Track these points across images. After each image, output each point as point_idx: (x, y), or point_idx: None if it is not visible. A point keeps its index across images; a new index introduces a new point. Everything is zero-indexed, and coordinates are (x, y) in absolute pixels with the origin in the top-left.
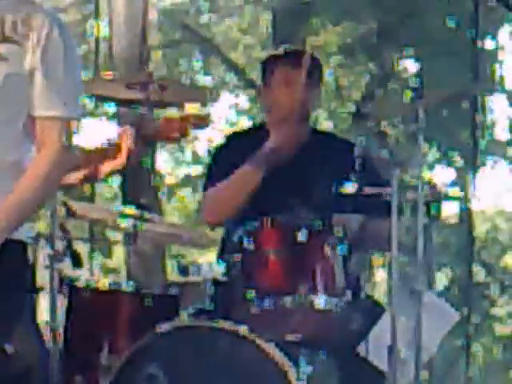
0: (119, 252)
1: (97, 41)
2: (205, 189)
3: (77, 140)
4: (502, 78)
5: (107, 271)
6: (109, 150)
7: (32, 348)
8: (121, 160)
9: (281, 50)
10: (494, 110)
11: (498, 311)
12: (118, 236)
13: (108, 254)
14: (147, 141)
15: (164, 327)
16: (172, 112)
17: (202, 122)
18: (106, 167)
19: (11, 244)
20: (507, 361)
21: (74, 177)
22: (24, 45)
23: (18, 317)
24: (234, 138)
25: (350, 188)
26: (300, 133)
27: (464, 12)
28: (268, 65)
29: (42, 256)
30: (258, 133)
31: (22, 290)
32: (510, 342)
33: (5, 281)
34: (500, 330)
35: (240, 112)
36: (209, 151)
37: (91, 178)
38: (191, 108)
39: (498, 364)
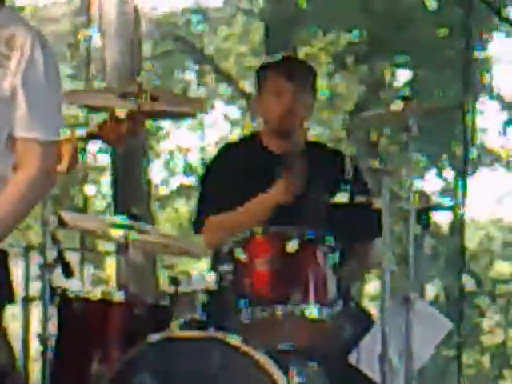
0: (110, 262)
1: (88, 51)
2: (200, 209)
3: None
4: (491, 86)
5: (98, 281)
6: None
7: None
8: (61, 167)
9: (273, 59)
10: (484, 118)
11: (486, 321)
12: (110, 246)
13: (99, 264)
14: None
15: (155, 337)
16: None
17: (136, 126)
18: None
19: None
20: (495, 371)
21: None
22: (5, 65)
23: None
24: (226, 151)
25: (340, 197)
26: (291, 144)
27: (455, 21)
28: (261, 74)
29: (32, 266)
30: (249, 143)
31: (3, 298)
32: (498, 353)
33: None
34: (489, 340)
35: (232, 122)
36: (202, 161)
37: None
38: (121, 112)
39: (486, 374)
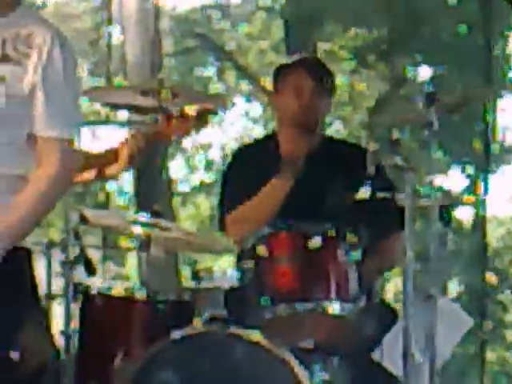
0: (132, 259)
1: (109, 48)
2: (221, 208)
3: (91, 147)
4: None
5: (120, 278)
6: (108, 156)
7: (41, 352)
8: (118, 166)
9: (293, 58)
10: (506, 115)
11: (510, 317)
12: (131, 243)
13: (121, 261)
14: (150, 141)
15: (178, 334)
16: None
17: (202, 121)
18: (109, 170)
19: (17, 251)
20: None
21: (79, 178)
22: (24, 63)
23: (24, 322)
24: (242, 153)
25: (363, 194)
26: (311, 141)
27: (475, 17)
28: (280, 72)
29: (55, 263)
30: (266, 143)
31: (28, 295)
32: None
33: (10, 286)
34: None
35: (253, 119)
36: (222, 158)
37: (95, 179)
38: (190, 109)
39: (510, 370)
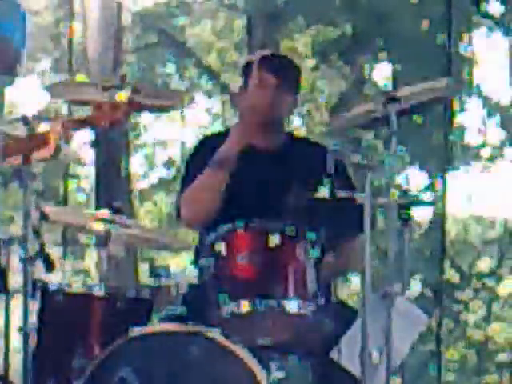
0: (92, 256)
1: (71, 44)
2: (181, 194)
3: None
4: (471, 80)
5: (79, 275)
6: (35, 140)
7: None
8: (48, 150)
9: (259, 54)
10: (466, 113)
11: (470, 316)
12: (91, 240)
13: (80, 257)
14: (79, 128)
15: (136, 331)
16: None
17: (133, 109)
18: (37, 155)
19: None
20: (481, 365)
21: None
22: None
23: None
24: (205, 142)
25: (323, 192)
26: (273, 139)
27: (438, 16)
28: (246, 68)
29: (14, 259)
30: (227, 135)
31: None
32: (483, 347)
33: None
34: (473, 334)
35: (213, 116)
36: (182, 155)
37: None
38: (121, 96)
39: (471, 369)
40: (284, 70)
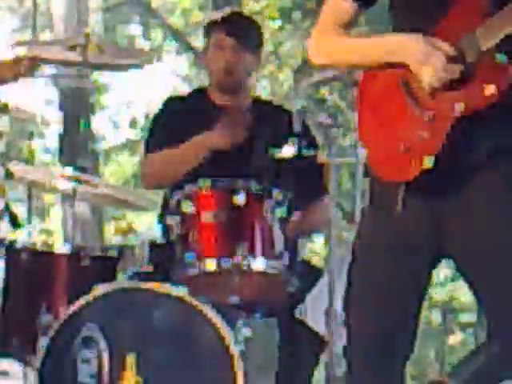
0: (57, 214)
1: (35, 2)
2: (145, 154)
3: (15, 101)
4: None
5: (44, 233)
6: None
7: None
8: None
9: (217, 14)
10: None
11: (435, 276)
12: (56, 198)
13: (45, 215)
14: None
15: (102, 289)
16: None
17: (34, 64)
18: None
19: None
20: (445, 326)
21: None
22: None
23: None
24: (171, 103)
25: (287, 152)
26: (237, 101)
27: None
28: (207, 29)
29: None
30: (197, 96)
31: None
32: (447, 307)
33: None
34: (437, 294)
35: (180, 76)
36: (147, 115)
37: None
38: (22, 51)
39: (436, 329)
40: (242, 30)
